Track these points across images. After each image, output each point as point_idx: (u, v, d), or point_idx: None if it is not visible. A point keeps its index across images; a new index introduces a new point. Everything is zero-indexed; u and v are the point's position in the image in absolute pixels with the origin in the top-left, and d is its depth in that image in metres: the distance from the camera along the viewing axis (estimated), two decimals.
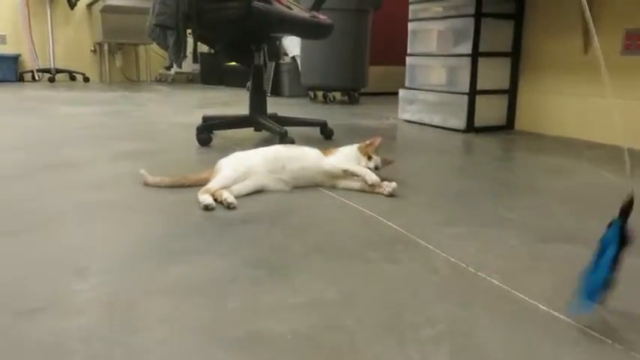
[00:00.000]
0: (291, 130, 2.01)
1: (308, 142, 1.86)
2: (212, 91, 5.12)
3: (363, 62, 3.91)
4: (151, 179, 1.40)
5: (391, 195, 1.34)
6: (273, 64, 4.46)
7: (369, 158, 1.46)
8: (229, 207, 1.21)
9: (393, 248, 1.00)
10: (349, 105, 3.93)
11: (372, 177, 1.36)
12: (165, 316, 0.74)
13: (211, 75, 5.97)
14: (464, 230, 1.11)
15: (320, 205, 1.29)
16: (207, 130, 2.08)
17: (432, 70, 2.82)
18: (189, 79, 6.39)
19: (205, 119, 2.36)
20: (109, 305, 0.76)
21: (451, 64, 2.65)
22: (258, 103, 2.21)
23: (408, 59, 2.90)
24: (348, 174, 1.40)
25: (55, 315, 0.73)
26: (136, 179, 1.43)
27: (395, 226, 1.12)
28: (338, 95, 4.28)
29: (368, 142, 1.51)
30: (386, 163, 1.53)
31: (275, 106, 3.34)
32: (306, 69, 3.95)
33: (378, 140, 1.51)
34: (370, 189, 1.37)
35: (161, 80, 6.30)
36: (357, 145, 1.50)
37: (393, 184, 1.35)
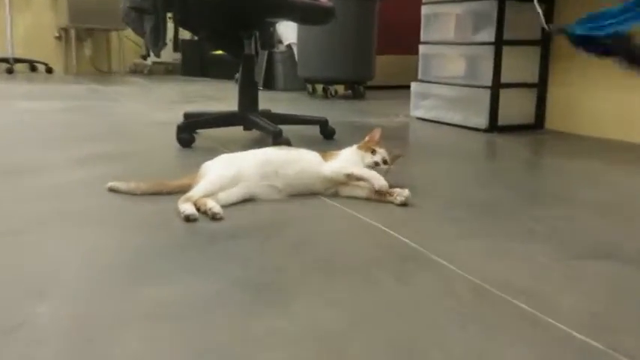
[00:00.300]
0: (287, 130, 2.01)
1: (306, 143, 1.87)
2: (195, 84, 5.14)
3: (370, 51, 3.92)
4: (123, 186, 1.40)
5: (403, 204, 1.34)
6: (266, 53, 4.48)
7: (373, 152, 1.47)
8: (214, 218, 1.21)
9: (404, 267, 1.00)
10: (353, 100, 3.94)
11: (379, 182, 1.36)
12: (138, 350, 0.73)
13: (194, 65, 5.99)
14: (486, 245, 1.11)
15: (320, 216, 1.28)
16: (190, 129, 2.08)
17: (449, 61, 2.83)
18: (168, 71, 6.41)
19: (187, 116, 2.36)
20: (71, 336, 0.76)
21: (471, 53, 2.66)
22: (248, 97, 2.21)
23: (421, 48, 2.91)
24: (352, 179, 1.40)
25: (7, 346, 0.73)
26: (105, 187, 1.43)
27: (406, 241, 1.12)
28: (340, 89, 4.29)
29: (367, 138, 1.51)
30: (395, 157, 1.53)
31: (268, 101, 3.35)
32: (304, 59, 3.97)
33: (377, 132, 1.52)
34: (378, 197, 1.37)
35: (136, 72, 6.33)
36: (356, 145, 1.50)
37: (406, 192, 1.35)
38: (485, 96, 2.56)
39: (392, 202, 1.35)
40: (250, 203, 1.34)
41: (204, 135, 2.28)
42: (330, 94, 4.06)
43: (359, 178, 1.40)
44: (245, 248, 1.07)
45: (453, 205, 1.40)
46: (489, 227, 1.23)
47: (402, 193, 1.35)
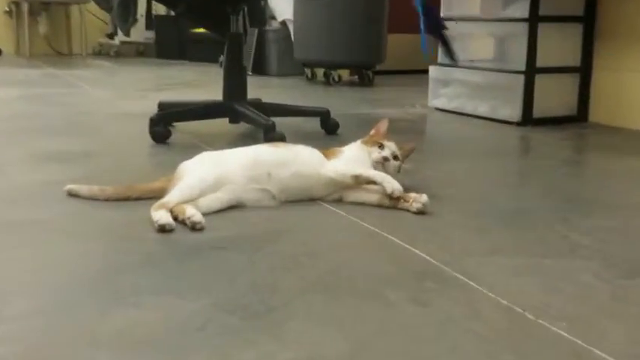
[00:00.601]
0: (280, 123, 2.01)
1: (304, 138, 1.87)
2: (171, 67, 5.14)
3: (380, 29, 3.93)
4: (85, 190, 1.40)
5: (421, 212, 1.34)
6: (256, 31, 4.48)
7: (381, 147, 1.47)
8: (194, 228, 1.21)
9: (421, 286, 1.00)
10: (360, 87, 3.94)
11: (393, 185, 1.37)
12: None
13: (171, 46, 5.99)
14: (519, 261, 1.11)
15: (321, 225, 1.28)
16: (165, 122, 2.08)
17: (474, 41, 2.83)
18: (140, 52, 6.42)
19: (162, 107, 2.36)
20: None
21: (501, 31, 2.66)
22: (234, 84, 2.21)
23: None
24: (360, 182, 1.41)
25: None
26: (63, 190, 1.42)
27: (424, 256, 1.12)
28: (345, 74, 4.29)
29: (372, 131, 1.52)
30: (407, 151, 1.54)
31: (258, 89, 3.34)
32: (302, 38, 3.97)
33: (384, 123, 1.53)
34: (391, 203, 1.38)
35: (101, 53, 6.33)
36: (360, 140, 1.51)
37: (424, 198, 1.35)
38: (518, 83, 2.56)
39: (407, 210, 1.36)
40: (238, 210, 1.34)
41: (182, 129, 2.28)
42: (333, 80, 4.06)
43: (369, 181, 1.40)
44: (231, 263, 1.07)
45: (479, 213, 1.40)
46: (522, 240, 1.23)
47: (418, 199, 1.35)
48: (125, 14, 2.06)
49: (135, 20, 2.08)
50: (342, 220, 1.32)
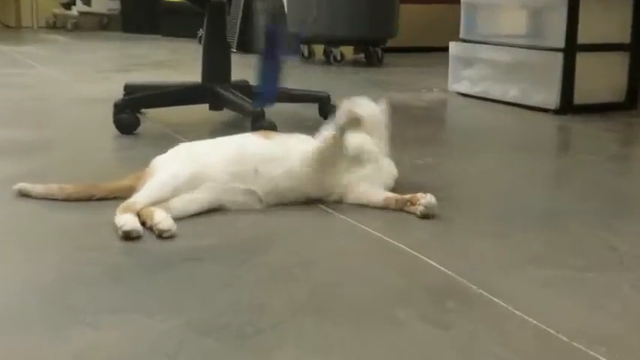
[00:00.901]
0: (271, 109, 2.01)
1: (299, 128, 1.87)
2: (141, 43, 5.13)
3: None
4: (39, 189, 1.40)
5: (425, 216, 1.34)
6: (242, 0, 4.47)
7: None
8: (161, 236, 1.22)
9: (439, 304, 1.00)
10: (367, 68, 3.93)
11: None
12: None
13: (139, 18, 5.97)
14: (552, 274, 1.11)
15: (317, 231, 1.28)
16: (133, 108, 2.08)
17: (503, 12, 2.82)
18: (102, 25, 6.39)
19: (129, 90, 2.36)
20: None
21: (536, 2, 2.65)
22: (216, 64, 2.21)
23: None
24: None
25: None
26: (13, 190, 1.42)
27: (441, 268, 1.12)
28: (349, 52, 4.29)
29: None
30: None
31: (245, 68, 3.30)
32: (297, 8, 3.96)
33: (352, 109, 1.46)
34: (398, 205, 1.37)
35: (56, 26, 6.29)
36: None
37: (427, 198, 1.35)
38: (556, 62, 2.55)
39: (414, 214, 1.35)
40: (219, 214, 1.34)
41: (153, 116, 2.28)
42: (335, 59, 4.05)
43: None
44: (210, 276, 1.07)
45: (505, 216, 1.39)
46: (556, 248, 1.23)
47: (422, 200, 1.34)
48: None
49: None
50: (341, 225, 1.32)
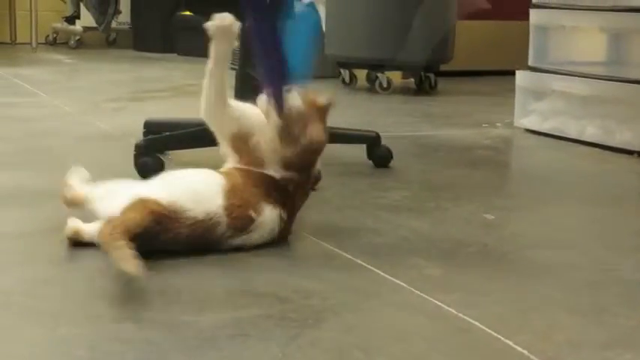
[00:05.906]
0: None
1: (343, 174, 1.81)
2: (154, 64, 5.13)
3: (446, 14, 3.90)
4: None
5: None
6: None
7: None
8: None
9: None
10: (418, 96, 3.90)
11: None
12: None
13: (152, 34, 5.95)
14: None
15: (371, 300, 1.26)
16: (156, 150, 2.06)
17: (580, 36, 2.78)
18: (110, 42, 6.29)
19: (150, 128, 2.32)
20: None
21: (619, 24, 2.61)
22: (248, 91, 2.15)
23: (533, 13, 2.88)
24: None
25: None
26: (28, 243, 1.44)
27: (520, 349, 1.07)
28: (397, 77, 4.25)
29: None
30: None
31: None
32: (336, 27, 3.95)
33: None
34: None
35: (56, 42, 6.15)
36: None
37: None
38: None
39: None
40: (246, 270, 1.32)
41: (179, 159, 2.22)
42: (380, 86, 4.01)
43: None
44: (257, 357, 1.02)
45: (592, 286, 1.36)
46: None
47: None
48: (103, 3, 2.03)
49: (116, 12, 2.05)
50: (398, 295, 1.28)
